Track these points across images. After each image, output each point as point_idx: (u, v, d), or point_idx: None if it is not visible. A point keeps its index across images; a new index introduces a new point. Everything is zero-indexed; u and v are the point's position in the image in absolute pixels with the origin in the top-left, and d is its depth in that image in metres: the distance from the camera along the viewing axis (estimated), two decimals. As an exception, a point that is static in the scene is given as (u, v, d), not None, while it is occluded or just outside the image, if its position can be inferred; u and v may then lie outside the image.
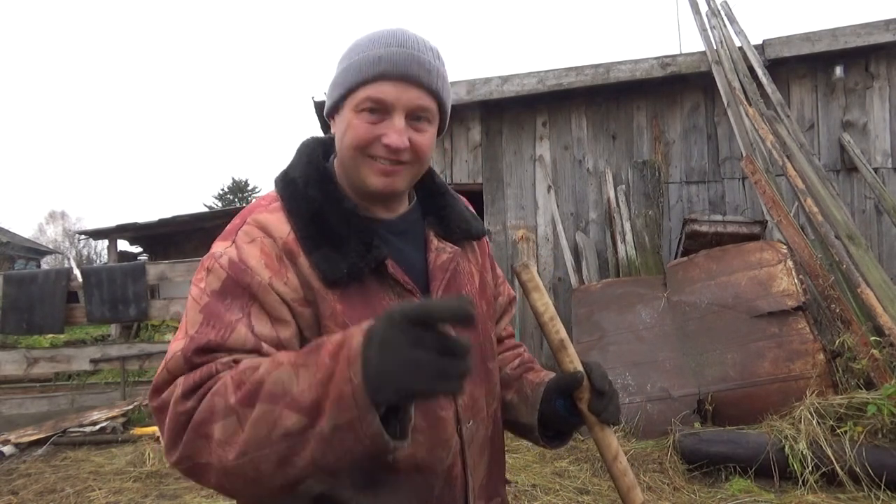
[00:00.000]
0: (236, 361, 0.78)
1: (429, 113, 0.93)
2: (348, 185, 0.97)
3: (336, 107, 0.96)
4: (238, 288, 0.83)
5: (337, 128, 0.96)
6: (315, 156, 1.00)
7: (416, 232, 1.03)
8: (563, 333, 0.99)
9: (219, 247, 0.89)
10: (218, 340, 0.79)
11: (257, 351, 0.81)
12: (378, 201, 0.98)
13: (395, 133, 0.89)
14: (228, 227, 0.93)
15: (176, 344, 0.81)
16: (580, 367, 0.98)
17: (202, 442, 0.71)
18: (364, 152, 0.91)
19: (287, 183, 0.96)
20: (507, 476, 1.15)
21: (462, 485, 0.96)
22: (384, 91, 0.89)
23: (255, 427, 0.68)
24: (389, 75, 0.89)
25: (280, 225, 0.90)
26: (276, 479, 0.69)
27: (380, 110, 0.90)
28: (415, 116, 0.92)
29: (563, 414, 1.01)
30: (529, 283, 1.01)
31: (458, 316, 0.62)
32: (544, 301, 1.00)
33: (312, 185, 0.94)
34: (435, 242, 1.02)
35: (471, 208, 1.15)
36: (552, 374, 1.08)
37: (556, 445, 1.09)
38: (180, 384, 0.76)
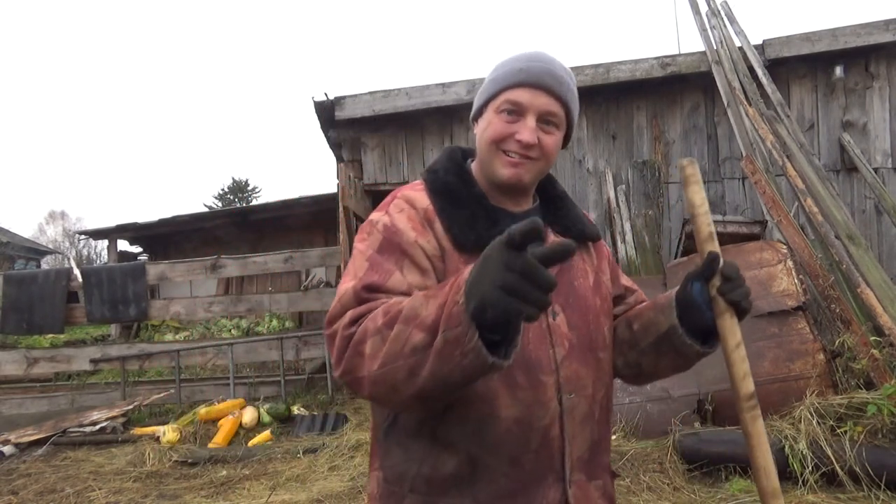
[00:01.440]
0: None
1: (557, 118, 1.10)
2: (483, 179, 1.15)
3: (480, 111, 1.16)
4: (392, 246, 1.02)
5: (479, 128, 1.15)
6: (455, 155, 1.20)
7: None
8: (713, 228, 1.07)
9: (375, 216, 1.08)
10: (380, 282, 0.97)
11: (409, 294, 0.96)
12: (506, 194, 1.14)
13: (527, 131, 1.07)
14: (382, 202, 1.12)
15: (345, 284, 0.99)
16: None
17: (358, 359, 0.88)
18: (499, 146, 1.09)
19: (430, 172, 1.16)
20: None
21: (559, 447, 1.05)
22: (520, 95, 1.07)
23: (393, 343, 0.83)
24: (526, 83, 1.07)
25: (422, 199, 1.10)
26: (408, 388, 0.84)
27: (516, 112, 1.08)
28: (545, 120, 1.08)
29: (698, 302, 1.06)
30: (692, 177, 1.08)
31: (541, 241, 0.77)
32: (702, 196, 1.07)
33: (450, 174, 1.14)
34: (552, 237, 1.16)
35: (588, 215, 1.29)
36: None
37: (706, 348, 1.10)
38: (348, 315, 0.92)
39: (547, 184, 1.24)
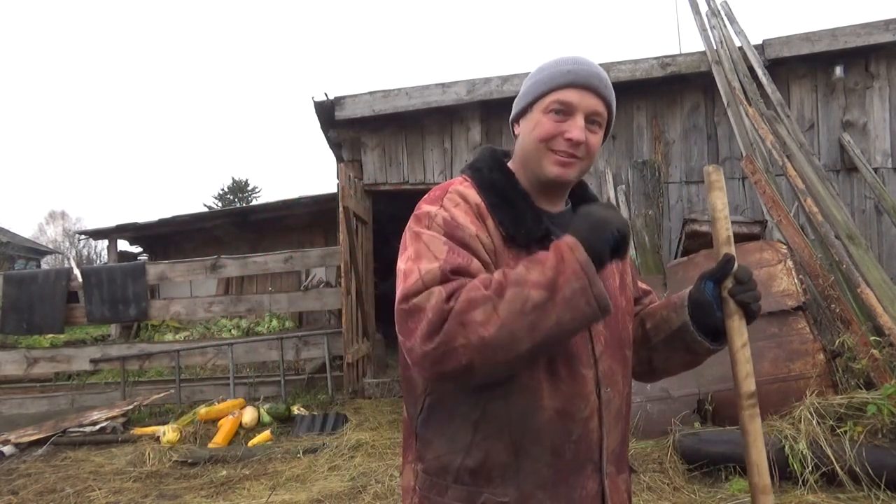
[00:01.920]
0: None
1: (601, 118, 1.14)
2: (524, 179, 1.18)
3: (523, 112, 1.18)
4: (455, 238, 1.04)
5: (523, 128, 1.17)
6: (496, 154, 1.23)
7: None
8: (731, 232, 1.14)
9: (431, 209, 1.09)
10: (465, 265, 1.00)
11: None
12: (545, 194, 1.18)
13: (578, 129, 1.10)
14: (431, 196, 1.13)
15: (421, 265, 1.00)
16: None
17: (460, 328, 0.92)
18: (548, 145, 1.12)
19: (474, 170, 1.18)
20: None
21: (598, 439, 1.10)
22: (570, 96, 1.11)
23: (510, 305, 0.91)
24: (575, 84, 1.11)
25: (473, 195, 1.12)
26: (526, 342, 0.92)
27: (564, 111, 1.11)
28: (591, 120, 1.12)
29: (710, 301, 1.12)
30: (716, 183, 1.15)
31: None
32: (724, 201, 1.13)
33: (495, 171, 1.17)
34: None
35: None
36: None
37: (716, 345, 1.16)
38: (441, 291, 0.95)
39: (578, 188, 1.28)
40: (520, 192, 1.15)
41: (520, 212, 1.11)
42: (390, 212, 7.53)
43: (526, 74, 6.44)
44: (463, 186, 1.14)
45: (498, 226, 1.09)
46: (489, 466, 1.04)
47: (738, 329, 1.09)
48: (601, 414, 1.09)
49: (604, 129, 1.17)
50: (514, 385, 1.03)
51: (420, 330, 0.94)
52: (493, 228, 1.08)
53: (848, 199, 6.19)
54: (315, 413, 5.64)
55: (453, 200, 1.09)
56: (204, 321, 10.55)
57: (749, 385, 1.10)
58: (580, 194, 1.28)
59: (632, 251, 6.06)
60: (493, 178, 1.15)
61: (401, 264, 1.04)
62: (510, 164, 1.21)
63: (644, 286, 1.39)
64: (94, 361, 6.84)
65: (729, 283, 1.10)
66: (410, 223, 1.10)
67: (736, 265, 1.10)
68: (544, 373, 1.05)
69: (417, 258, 1.02)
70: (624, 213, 6.31)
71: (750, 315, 1.10)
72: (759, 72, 6.10)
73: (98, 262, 29.73)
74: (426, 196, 1.15)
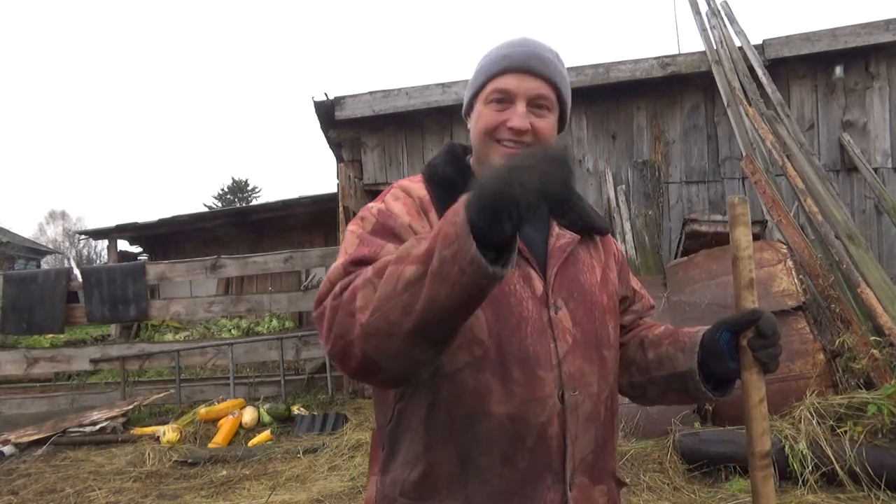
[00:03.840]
0: None
1: (548, 101, 1.06)
2: (480, 173, 1.11)
3: (470, 105, 1.13)
4: (385, 229, 0.99)
5: (471, 122, 1.12)
6: (454, 150, 1.18)
7: (541, 219, 1.12)
8: (754, 274, 1.03)
9: (371, 205, 1.07)
10: (370, 255, 0.93)
11: None
12: None
13: (518, 117, 1.04)
14: (380, 194, 1.10)
15: (336, 263, 0.96)
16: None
17: (349, 320, 0.83)
18: (492, 136, 1.06)
19: (429, 166, 1.14)
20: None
21: (559, 447, 1.01)
22: (507, 82, 1.05)
23: (385, 286, 0.80)
24: (511, 69, 1.05)
25: (419, 189, 1.08)
26: (404, 325, 0.78)
27: (504, 100, 1.05)
28: (535, 104, 1.05)
29: (724, 351, 1.04)
30: (741, 217, 1.03)
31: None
32: (749, 238, 1.02)
33: (448, 166, 1.12)
34: (556, 229, 1.12)
35: (595, 209, 1.24)
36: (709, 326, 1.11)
37: (718, 396, 1.10)
38: (337, 286, 0.89)
39: None
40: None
41: None
42: (390, 212, 7.52)
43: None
44: (411, 182, 1.11)
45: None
46: (434, 478, 0.98)
47: (756, 384, 1.01)
48: (564, 419, 1.00)
49: (556, 111, 1.09)
50: (459, 388, 0.96)
51: (323, 332, 0.88)
52: (435, 221, 1.02)
53: (848, 199, 6.19)
54: (315, 413, 5.64)
55: (395, 195, 1.07)
56: (204, 321, 10.55)
57: (765, 444, 1.01)
58: None
59: (632, 251, 6.08)
60: (445, 172, 1.11)
61: None
62: (471, 160, 1.16)
63: (637, 286, 1.29)
64: (94, 361, 6.84)
65: (750, 333, 1.01)
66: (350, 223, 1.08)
67: (762, 317, 1.00)
68: (494, 375, 0.97)
69: (339, 257, 0.99)
70: (624, 213, 6.31)
71: (766, 371, 1.02)
72: (759, 72, 6.10)
73: (98, 262, 29.72)
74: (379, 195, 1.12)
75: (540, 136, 1.05)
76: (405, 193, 1.07)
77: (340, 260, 0.95)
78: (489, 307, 0.98)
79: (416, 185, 1.09)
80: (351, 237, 1.00)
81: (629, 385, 1.20)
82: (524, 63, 1.05)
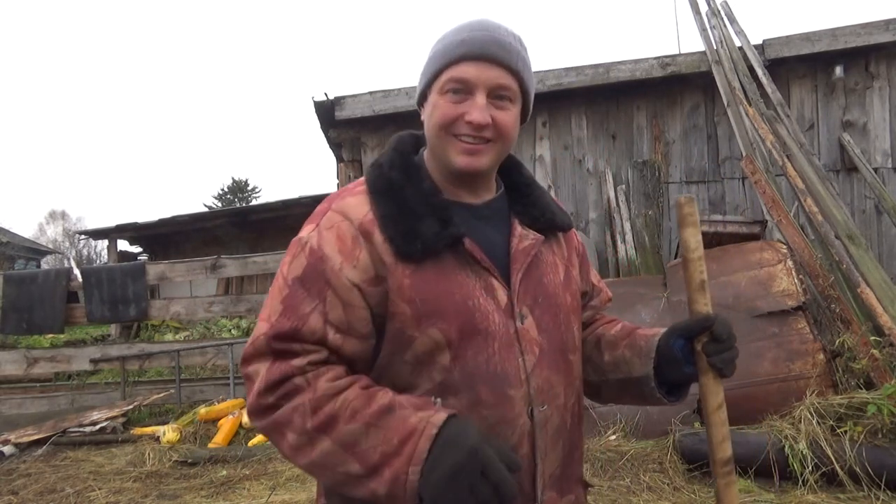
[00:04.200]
0: (311, 364, 0.90)
1: (510, 92, 0.97)
2: (437, 170, 1.02)
3: (424, 94, 1.02)
4: (315, 275, 0.92)
5: (425, 113, 1.00)
6: (403, 145, 1.06)
7: (501, 218, 1.05)
8: (706, 276, 0.99)
9: (305, 232, 0.98)
10: (293, 329, 0.90)
11: (324, 342, 0.92)
12: (464, 185, 1.02)
13: (477, 110, 0.93)
14: (317, 209, 1.01)
15: (260, 325, 0.93)
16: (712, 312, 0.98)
17: (278, 435, 0.89)
18: (449, 131, 0.96)
19: (373, 167, 1.02)
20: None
21: (529, 467, 0.96)
22: (466, 71, 0.94)
23: (324, 457, 0.85)
24: (471, 56, 0.94)
25: (360, 207, 0.96)
26: (334, 487, 0.91)
27: (463, 90, 0.95)
28: (497, 95, 0.95)
29: (678, 357, 1.01)
30: (689, 217, 0.99)
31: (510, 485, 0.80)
32: (698, 239, 0.99)
33: (396, 168, 1.00)
34: (519, 229, 1.04)
35: (559, 203, 1.16)
36: (665, 329, 1.07)
37: (673, 400, 1.08)
38: (263, 376, 0.89)
39: (512, 169, 1.11)
40: (423, 190, 0.97)
41: (418, 218, 0.93)
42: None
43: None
44: (352, 195, 0.98)
45: (387, 241, 0.92)
46: None
47: (713, 389, 0.98)
48: (534, 438, 0.96)
49: (519, 103, 1.00)
50: None
51: (250, 402, 0.92)
52: (381, 244, 0.93)
53: (848, 199, 6.19)
54: (315, 413, 5.63)
55: (329, 221, 0.95)
56: (204, 321, 10.54)
57: (725, 450, 0.97)
58: (514, 176, 1.11)
59: (632, 251, 6.08)
60: (390, 177, 0.98)
61: None
62: (426, 153, 1.06)
63: (596, 280, 1.22)
64: (94, 361, 6.84)
65: (704, 338, 0.97)
66: (288, 249, 0.99)
67: (715, 320, 0.96)
68: (463, 400, 0.91)
69: (263, 310, 0.96)
70: (624, 213, 6.31)
71: (722, 375, 0.98)
72: (759, 72, 6.10)
73: (98, 262, 29.71)
74: (318, 206, 1.02)
75: (502, 131, 0.96)
76: (342, 217, 0.95)
77: (264, 324, 0.93)
78: (453, 325, 0.92)
79: (356, 199, 0.97)
80: (277, 292, 0.95)
81: (584, 383, 1.14)
82: (484, 49, 0.94)
